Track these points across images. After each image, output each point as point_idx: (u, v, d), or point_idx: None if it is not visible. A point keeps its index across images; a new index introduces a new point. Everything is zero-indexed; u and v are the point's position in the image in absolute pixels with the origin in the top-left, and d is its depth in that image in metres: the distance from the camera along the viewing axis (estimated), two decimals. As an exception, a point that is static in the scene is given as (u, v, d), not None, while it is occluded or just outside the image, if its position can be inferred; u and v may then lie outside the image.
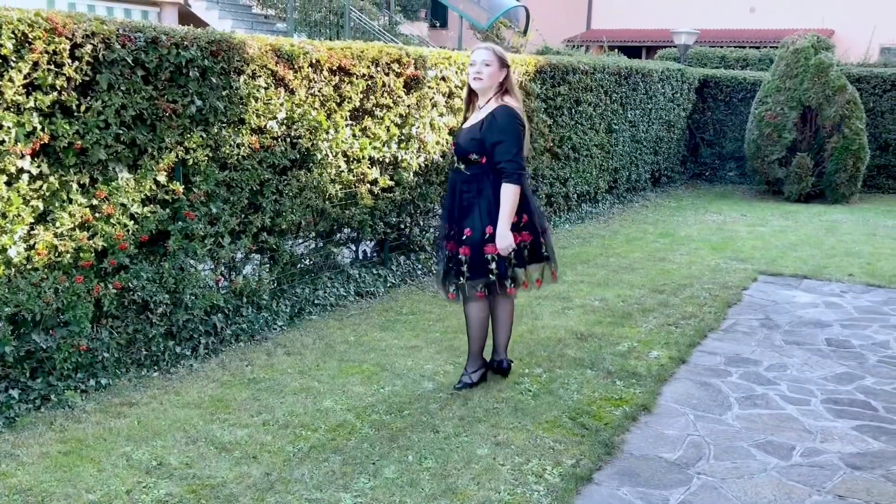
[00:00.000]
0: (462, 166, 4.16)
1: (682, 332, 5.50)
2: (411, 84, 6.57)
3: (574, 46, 18.84)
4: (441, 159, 7.02)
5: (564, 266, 7.34)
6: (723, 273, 7.25)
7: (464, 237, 4.14)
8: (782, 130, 11.52)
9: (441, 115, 6.98)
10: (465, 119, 4.29)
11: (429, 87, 6.77)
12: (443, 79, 6.97)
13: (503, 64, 4.13)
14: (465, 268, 4.14)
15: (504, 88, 4.13)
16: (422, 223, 6.99)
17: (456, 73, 7.13)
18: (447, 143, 7.09)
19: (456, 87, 7.14)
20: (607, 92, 10.26)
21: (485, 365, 4.47)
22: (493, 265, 4.09)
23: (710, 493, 3.38)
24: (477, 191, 4.11)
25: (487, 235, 4.07)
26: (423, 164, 6.82)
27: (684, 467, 3.61)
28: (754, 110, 11.88)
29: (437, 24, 26.78)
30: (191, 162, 4.68)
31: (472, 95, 4.26)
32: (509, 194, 4.02)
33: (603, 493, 3.37)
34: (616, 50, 17.79)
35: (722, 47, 18.36)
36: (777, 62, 11.83)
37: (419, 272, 6.83)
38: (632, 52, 22.25)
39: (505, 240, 4.03)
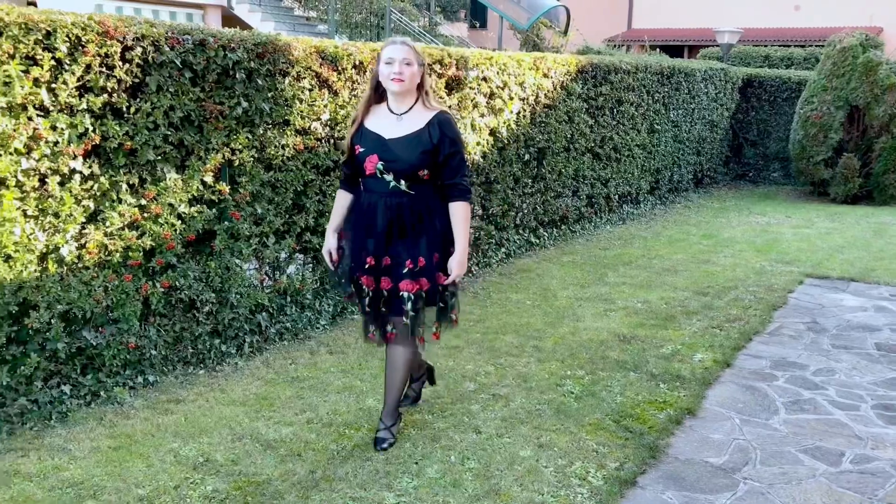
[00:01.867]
0: (404, 185, 3.49)
1: (726, 334, 5.43)
2: (453, 85, 6.58)
3: (615, 46, 18.69)
4: (482, 160, 7.02)
5: (606, 267, 7.29)
6: (768, 275, 7.14)
7: (412, 269, 3.52)
8: (828, 130, 11.31)
9: (482, 115, 6.98)
10: (361, 125, 3.59)
11: (470, 88, 6.78)
12: (484, 79, 6.97)
13: (421, 62, 3.53)
14: (410, 305, 3.53)
15: (424, 90, 3.57)
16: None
17: (497, 73, 7.13)
18: (487, 143, 7.09)
19: (497, 87, 7.14)
20: (650, 92, 10.17)
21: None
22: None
23: (758, 499, 3.33)
24: (427, 213, 3.54)
25: (436, 262, 3.55)
26: (464, 165, 6.81)
27: (730, 472, 3.56)
28: (800, 110, 11.68)
29: (477, 25, 26.78)
30: (237, 163, 4.74)
31: (375, 96, 3.62)
32: (467, 214, 3.57)
33: (647, 497, 3.34)
34: (657, 49, 17.61)
35: (766, 46, 18.11)
36: (823, 61, 11.62)
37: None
38: (673, 51, 22.02)
39: (464, 266, 3.58)
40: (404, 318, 3.55)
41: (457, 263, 3.54)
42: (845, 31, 11.74)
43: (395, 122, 3.54)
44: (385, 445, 3.70)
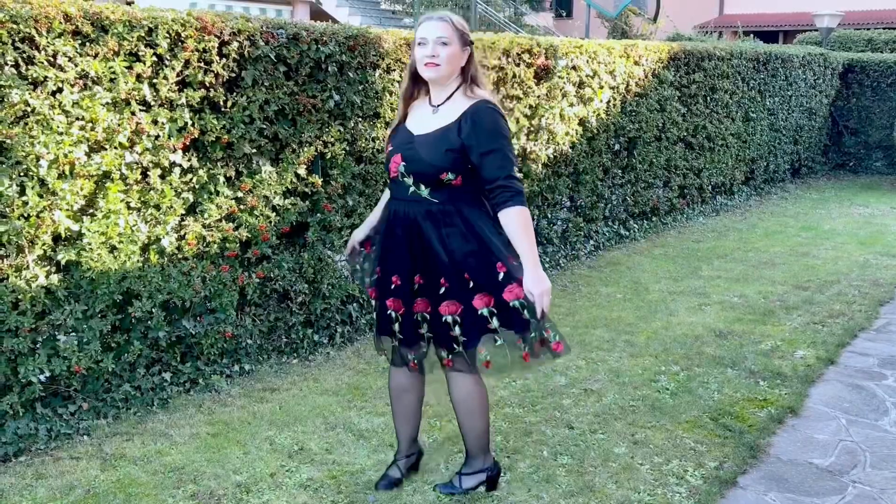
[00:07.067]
0: (425, 191, 2.89)
1: (829, 330, 5.20)
2: (541, 74, 6.50)
3: (706, 33, 18.18)
4: (570, 150, 6.92)
5: (700, 260, 7.09)
6: (873, 269, 6.82)
7: (448, 288, 2.92)
8: (938, 117, 10.72)
9: (571, 105, 6.87)
10: (403, 119, 3.04)
11: (559, 77, 6.68)
12: (573, 68, 6.86)
13: (465, 41, 2.91)
14: (458, 331, 2.91)
15: (468, 76, 2.94)
16: (549, 216, 6.90)
17: (587, 61, 7.00)
18: (576, 133, 6.98)
19: (587, 76, 7.01)
20: (745, 79, 9.83)
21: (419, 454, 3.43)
22: (526, 314, 2.84)
23: (868, 504, 3.18)
24: (455, 223, 2.90)
25: (501, 276, 2.86)
26: (551, 156, 6.73)
27: (838, 475, 3.41)
28: (906, 95, 11.11)
29: (563, 14, 26.47)
30: (329, 155, 4.78)
31: (414, 87, 3.04)
32: (524, 220, 2.83)
33: (749, 498, 3.23)
34: (751, 35, 17.05)
35: (868, 29, 17.28)
36: (933, 43, 11.01)
37: (548, 265, 6.75)
38: (768, 37, 21.28)
39: (543, 282, 2.80)
40: (456, 346, 2.94)
41: (531, 282, 2.80)
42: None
43: (431, 115, 2.95)
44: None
